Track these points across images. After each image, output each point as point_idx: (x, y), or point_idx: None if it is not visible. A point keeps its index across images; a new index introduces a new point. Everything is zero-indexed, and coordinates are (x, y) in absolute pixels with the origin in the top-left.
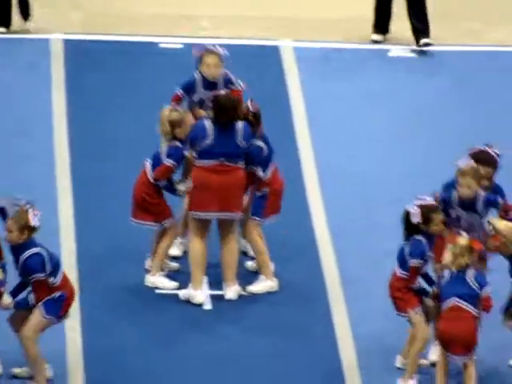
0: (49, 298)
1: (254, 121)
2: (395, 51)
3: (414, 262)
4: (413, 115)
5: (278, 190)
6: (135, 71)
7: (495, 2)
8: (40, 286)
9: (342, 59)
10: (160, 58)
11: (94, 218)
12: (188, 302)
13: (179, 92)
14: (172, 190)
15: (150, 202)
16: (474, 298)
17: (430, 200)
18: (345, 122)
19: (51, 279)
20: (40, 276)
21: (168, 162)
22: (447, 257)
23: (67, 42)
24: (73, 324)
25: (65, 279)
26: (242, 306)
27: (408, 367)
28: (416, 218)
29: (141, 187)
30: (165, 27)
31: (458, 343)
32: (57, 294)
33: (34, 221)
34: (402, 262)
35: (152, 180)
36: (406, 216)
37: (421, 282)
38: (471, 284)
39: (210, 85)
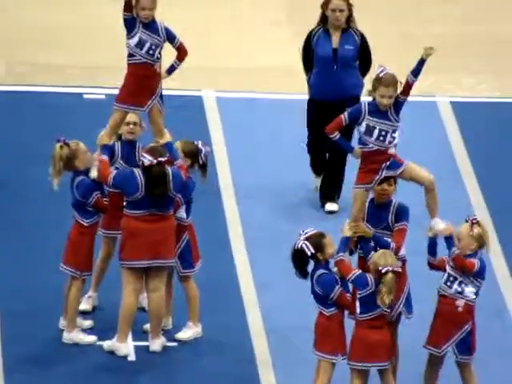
0: None
1: (205, 163)
2: None
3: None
4: None
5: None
6: (56, 123)
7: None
8: None
9: (263, 108)
10: (84, 109)
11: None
12: (112, 353)
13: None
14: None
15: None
16: None
17: (311, 229)
18: (267, 172)
19: None
20: None
21: (94, 197)
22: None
23: None
24: None
25: None
26: (166, 355)
27: None
28: (309, 250)
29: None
30: (86, 77)
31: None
32: None
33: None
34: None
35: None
36: (298, 253)
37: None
38: None
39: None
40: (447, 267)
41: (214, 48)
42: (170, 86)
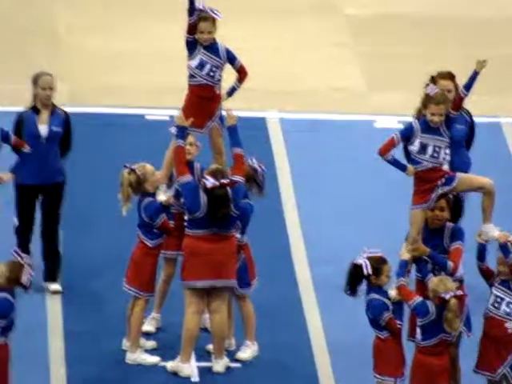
0: None
1: (261, 182)
2: (381, 122)
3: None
4: (399, 184)
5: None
6: (122, 143)
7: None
8: None
9: (327, 129)
10: (146, 129)
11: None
12: (175, 373)
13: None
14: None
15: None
16: None
17: (375, 250)
18: (331, 192)
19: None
20: None
21: (160, 220)
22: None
23: None
24: None
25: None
26: (230, 375)
27: None
28: (367, 270)
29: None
30: (151, 98)
31: None
32: None
33: (24, 278)
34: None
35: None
36: (355, 268)
37: None
38: None
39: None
40: (493, 289)
41: (278, 69)
42: (233, 107)
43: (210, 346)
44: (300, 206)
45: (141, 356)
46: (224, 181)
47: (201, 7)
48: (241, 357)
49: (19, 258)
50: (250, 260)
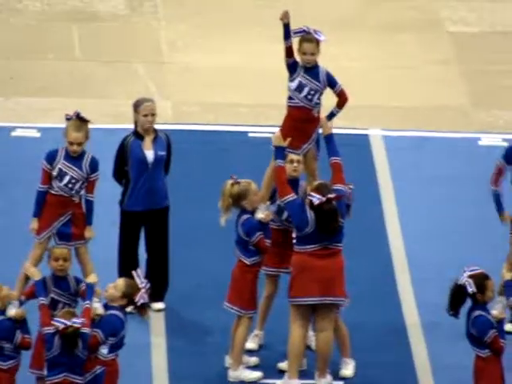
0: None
1: (349, 202)
2: (485, 140)
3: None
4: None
5: None
6: (224, 160)
7: None
8: (94, 348)
9: (431, 147)
10: (249, 147)
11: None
12: None
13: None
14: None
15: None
16: None
17: (476, 268)
18: (434, 210)
19: (105, 351)
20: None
21: (257, 237)
22: None
23: None
24: None
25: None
26: None
27: None
28: (471, 288)
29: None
30: (254, 115)
31: None
32: (98, 368)
33: (138, 300)
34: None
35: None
36: (458, 289)
37: None
38: None
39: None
40: None
41: (380, 86)
42: (337, 125)
43: (283, 364)
44: (403, 224)
45: (243, 373)
46: (330, 196)
47: (305, 28)
48: (346, 374)
49: (138, 281)
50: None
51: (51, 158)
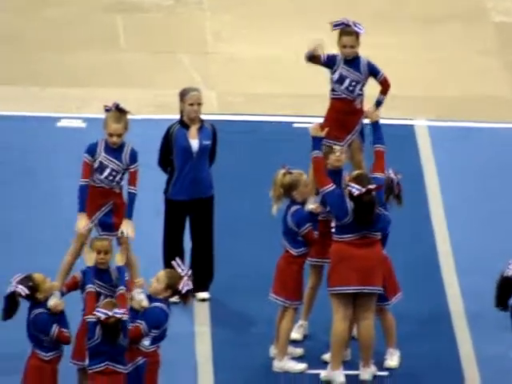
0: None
1: (399, 192)
2: None
3: None
4: None
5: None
6: (269, 150)
7: None
8: (136, 339)
9: (475, 137)
10: (293, 137)
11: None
12: (328, 382)
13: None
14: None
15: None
16: None
17: None
18: (479, 200)
19: (147, 342)
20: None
21: (306, 228)
22: None
23: None
24: None
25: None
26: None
27: None
28: None
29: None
30: (299, 106)
31: None
32: (140, 359)
33: (183, 288)
34: None
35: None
36: (506, 281)
37: None
38: None
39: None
40: None
41: (425, 76)
42: (382, 115)
43: (327, 356)
44: (448, 214)
45: (288, 364)
46: (370, 186)
47: (344, 21)
48: (390, 365)
49: (179, 270)
50: (389, 274)
51: (92, 150)
